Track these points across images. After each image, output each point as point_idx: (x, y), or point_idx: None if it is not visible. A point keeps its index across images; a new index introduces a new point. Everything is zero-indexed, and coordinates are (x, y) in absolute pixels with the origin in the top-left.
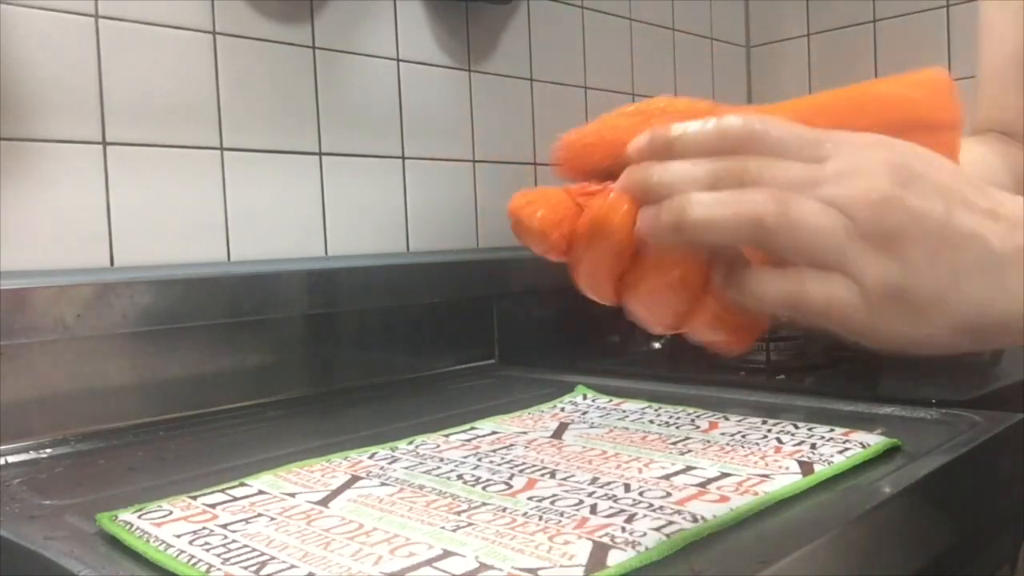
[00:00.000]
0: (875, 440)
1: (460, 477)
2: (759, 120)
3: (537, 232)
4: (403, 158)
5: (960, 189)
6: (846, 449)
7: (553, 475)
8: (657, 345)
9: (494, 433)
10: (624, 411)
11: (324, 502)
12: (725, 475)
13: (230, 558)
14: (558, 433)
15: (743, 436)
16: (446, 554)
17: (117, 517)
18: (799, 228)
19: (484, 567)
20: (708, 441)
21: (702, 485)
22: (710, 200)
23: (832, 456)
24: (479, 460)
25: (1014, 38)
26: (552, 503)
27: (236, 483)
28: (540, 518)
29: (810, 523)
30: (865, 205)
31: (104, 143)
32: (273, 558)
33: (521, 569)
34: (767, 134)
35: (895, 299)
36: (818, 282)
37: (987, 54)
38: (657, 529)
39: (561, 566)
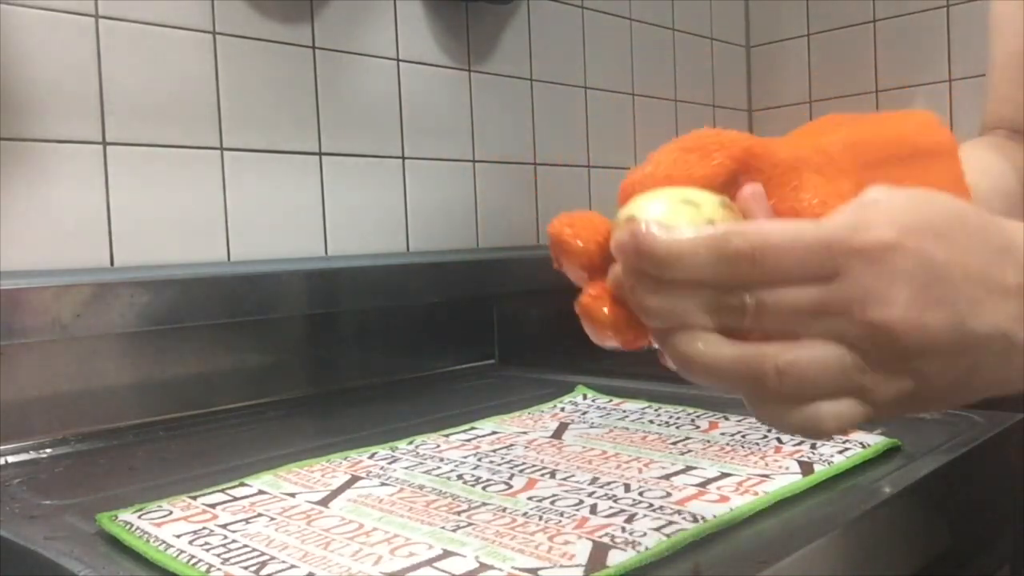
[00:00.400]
0: (875, 440)
1: (460, 477)
2: (759, 235)
3: (575, 254)
4: (403, 158)
5: (986, 270)
6: (846, 449)
7: (553, 475)
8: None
9: (494, 433)
10: (624, 411)
11: (324, 502)
12: (725, 475)
13: (230, 558)
14: (558, 433)
15: (743, 436)
16: (446, 554)
17: (117, 517)
18: (805, 376)
19: (484, 567)
20: (708, 441)
21: (702, 485)
22: (714, 344)
23: (832, 456)
24: (479, 460)
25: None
26: (552, 503)
27: (236, 483)
28: (540, 518)
29: (810, 523)
30: (878, 338)
31: (104, 143)
32: (273, 558)
33: (521, 569)
34: (769, 252)
35: (908, 403)
36: (831, 408)
37: (998, 51)
38: (657, 529)
39: (561, 566)
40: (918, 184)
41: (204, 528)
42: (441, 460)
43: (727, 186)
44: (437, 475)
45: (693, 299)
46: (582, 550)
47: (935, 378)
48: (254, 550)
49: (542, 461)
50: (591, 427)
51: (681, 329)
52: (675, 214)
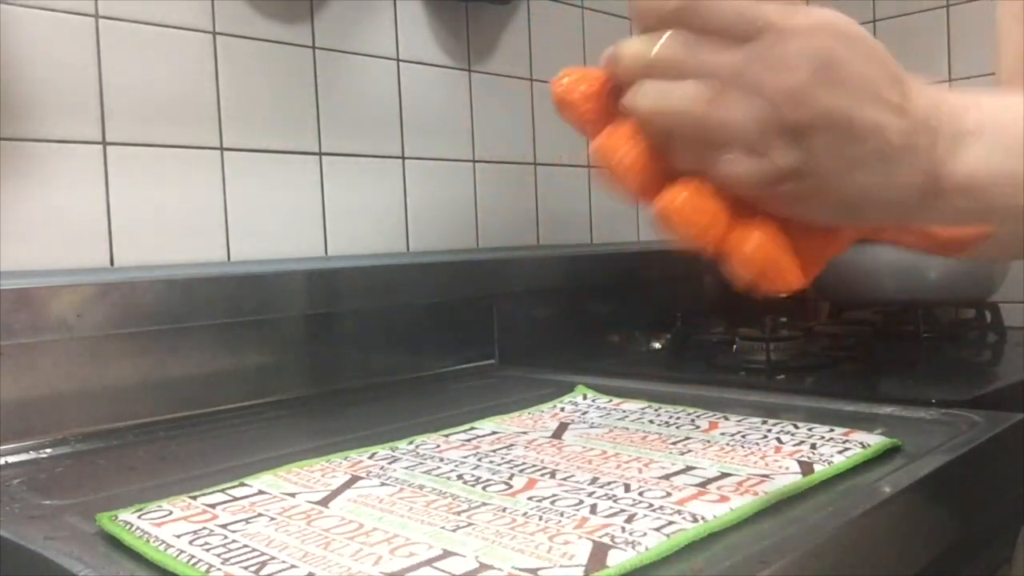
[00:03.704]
0: (875, 440)
1: (460, 477)
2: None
3: (568, 104)
4: (403, 158)
5: (876, 83)
6: (846, 449)
7: (553, 475)
8: (657, 345)
9: (494, 433)
10: (624, 411)
11: (324, 502)
12: (725, 475)
13: (230, 558)
14: (558, 433)
15: (743, 436)
16: (446, 554)
17: (117, 517)
18: (726, 120)
19: (484, 567)
20: (708, 441)
21: (702, 485)
22: (654, 92)
23: (832, 456)
24: (479, 460)
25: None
26: (552, 503)
27: (236, 483)
28: (540, 518)
29: (810, 523)
30: (783, 98)
31: (104, 143)
32: (273, 558)
33: (521, 569)
34: (699, 9)
35: (792, 178)
36: (735, 156)
37: (1007, 57)
38: (657, 529)
39: (561, 566)
40: None
41: (204, 528)
42: (441, 460)
43: None
44: (437, 475)
45: (644, 55)
46: (582, 550)
47: (818, 155)
48: (254, 550)
49: (542, 461)
50: (591, 427)
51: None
52: None
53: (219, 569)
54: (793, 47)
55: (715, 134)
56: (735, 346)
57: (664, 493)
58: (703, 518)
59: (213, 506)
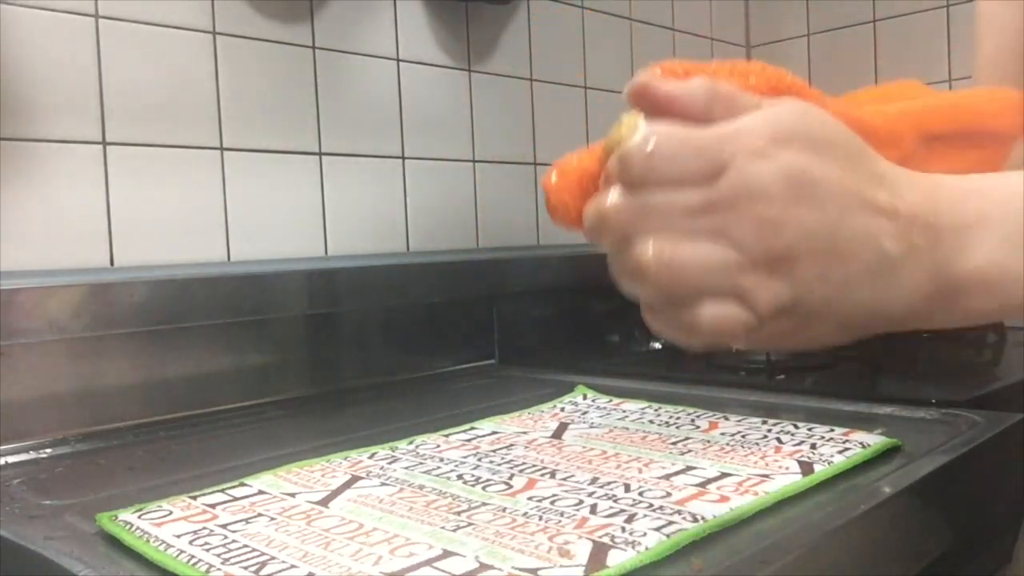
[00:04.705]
0: (875, 440)
1: (460, 477)
2: (649, 144)
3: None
4: (403, 158)
5: (858, 187)
6: (846, 449)
7: (553, 475)
8: (657, 345)
9: (494, 433)
10: (624, 411)
11: (324, 502)
12: (725, 475)
13: (230, 558)
14: (558, 433)
15: (743, 436)
16: (446, 554)
17: (117, 517)
18: (684, 273)
19: (484, 567)
20: (708, 441)
21: (702, 485)
22: (610, 256)
23: (832, 456)
24: (479, 460)
25: (1015, 28)
26: (552, 503)
27: (236, 483)
28: (540, 518)
29: (810, 523)
30: (754, 235)
31: (104, 143)
32: (273, 558)
33: (521, 569)
34: (656, 160)
35: (786, 313)
36: (710, 308)
37: (987, 46)
38: (657, 529)
39: (561, 566)
40: (978, 168)
41: (204, 528)
42: (441, 460)
43: None
44: (437, 475)
45: (606, 211)
46: (582, 550)
47: (810, 282)
48: (254, 550)
49: (542, 461)
50: (591, 427)
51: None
52: None
53: (219, 569)
54: (758, 173)
55: (677, 290)
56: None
57: (664, 493)
58: (703, 518)
59: (213, 506)
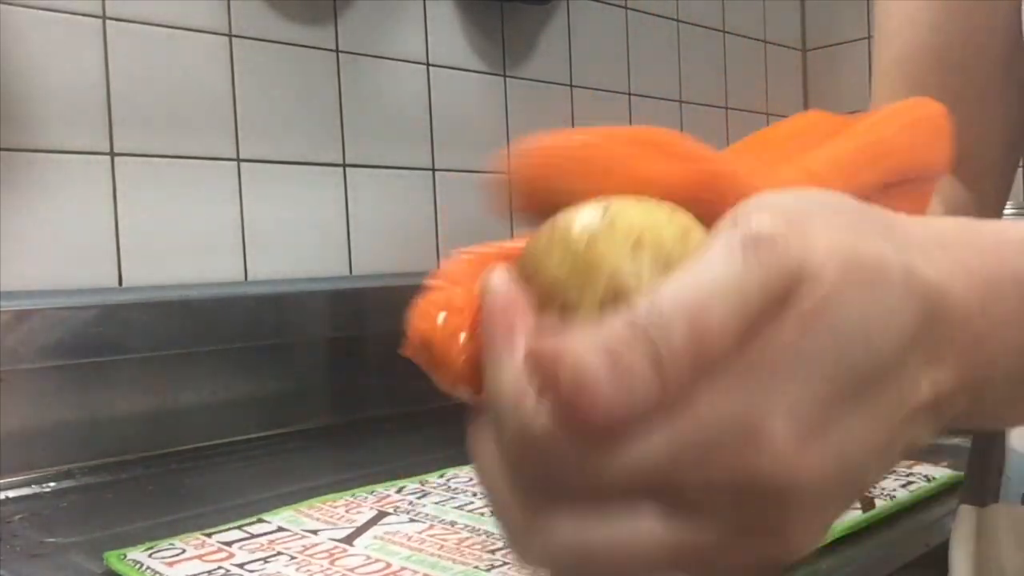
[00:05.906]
0: (940, 473)
1: None
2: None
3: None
4: (433, 170)
5: (906, 349)
6: (910, 483)
7: None
8: None
9: None
10: None
11: (348, 540)
12: None
13: None
14: None
15: None
16: None
17: (126, 556)
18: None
19: None
20: None
21: None
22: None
23: (895, 490)
24: None
25: (905, 36)
26: None
27: (254, 519)
28: None
29: (873, 560)
30: (740, 498)
31: (112, 153)
32: None
33: None
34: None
35: (755, 566)
36: None
37: (896, 45)
38: None
39: None
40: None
41: (219, 568)
42: (474, 495)
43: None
44: (470, 511)
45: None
46: None
47: (799, 532)
48: None
49: None
50: None
51: None
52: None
53: None
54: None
55: None
56: None
57: None
58: None
59: (229, 544)
